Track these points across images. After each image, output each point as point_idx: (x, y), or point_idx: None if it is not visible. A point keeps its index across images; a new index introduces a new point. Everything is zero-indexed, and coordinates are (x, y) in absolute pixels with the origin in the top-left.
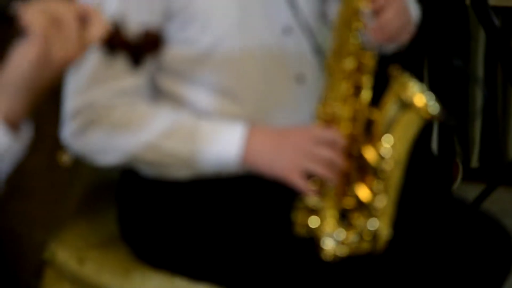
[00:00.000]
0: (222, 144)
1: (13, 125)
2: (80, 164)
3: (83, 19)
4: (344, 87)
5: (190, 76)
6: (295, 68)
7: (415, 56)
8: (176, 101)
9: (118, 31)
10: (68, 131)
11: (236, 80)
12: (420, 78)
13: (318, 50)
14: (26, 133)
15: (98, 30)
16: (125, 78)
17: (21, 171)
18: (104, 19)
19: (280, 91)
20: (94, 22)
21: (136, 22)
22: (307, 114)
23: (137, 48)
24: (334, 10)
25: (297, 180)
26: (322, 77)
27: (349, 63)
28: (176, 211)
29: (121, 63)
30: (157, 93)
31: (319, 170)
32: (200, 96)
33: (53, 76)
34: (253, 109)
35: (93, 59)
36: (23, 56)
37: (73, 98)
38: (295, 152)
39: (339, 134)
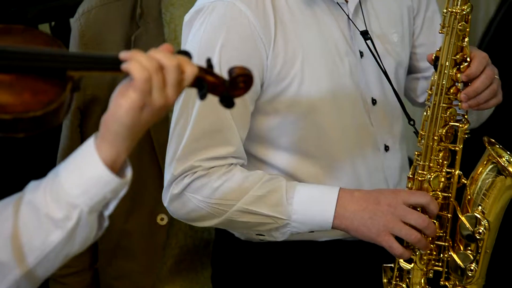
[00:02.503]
0: (317, 206)
1: (116, 168)
2: (177, 225)
3: (181, 67)
4: (437, 155)
5: (277, 142)
6: (382, 137)
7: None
8: (265, 164)
9: (210, 73)
10: (168, 195)
11: (323, 148)
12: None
13: (404, 120)
14: (129, 174)
15: (192, 72)
16: (219, 147)
17: (122, 231)
18: (197, 64)
19: (367, 159)
20: (188, 67)
21: None
22: (391, 180)
23: (228, 89)
24: (423, 84)
25: (389, 244)
26: (404, 144)
27: (442, 132)
28: (270, 272)
29: (216, 134)
30: (247, 156)
31: (412, 234)
32: (286, 160)
33: (152, 121)
34: (340, 175)
35: (191, 130)
36: (123, 102)
37: (173, 164)
38: (388, 215)
39: (431, 199)
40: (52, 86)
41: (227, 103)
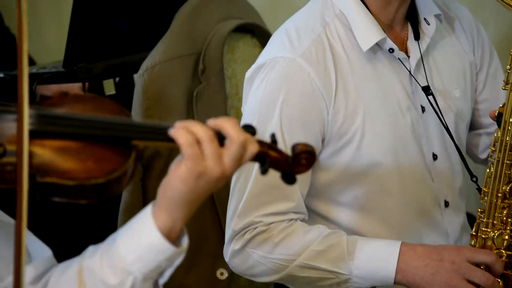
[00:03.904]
0: (379, 261)
1: (172, 237)
2: (237, 280)
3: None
4: (501, 212)
5: (337, 197)
6: (442, 193)
7: None
8: (325, 219)
9: (273, 149)
10: (230, 251)
11: (383, 203)
12: None
13: (464, 176)
14: (185, 243)
15: (253, 152)
16: (280, 203)
17: (182, 286)
18: (261, 139)
19: (427, 214)
20: (251, 146)
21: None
22: (452, 236)
23: (290, 166)
24: (485, 140)
25: None
26: (464, 200)
27: (506, 189)
28: None
29: (277, 189)
30: (307, 211)
31: None
32: (346, 215)
33: (210, 190)
34: (400, 230)
35: (252, 186)
36: (178, 171)
37: (234, 220)
38: (451, 273)
39: (497, 258)
40: (117, 154)
41: (289, 179)
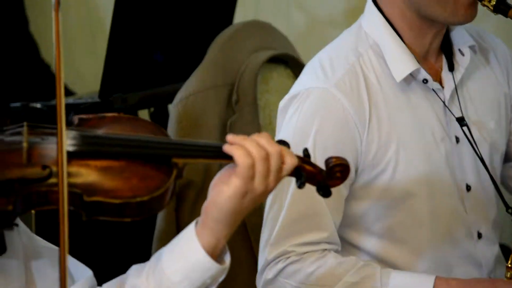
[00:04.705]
0: None
1: (215, 254)
2: None
3: (282, 157)
4: None
5: (370, 227)
6: (476, 224)
7: None
8: (357, 249)
9: (308, 163)
10: (262, 280)
11: (416, 233)
12: None
13: (499, 207)
14: (228, 260)
15: (292, 162)
16: (313, 232)
17: None
18: (296, 154)
19: (460, 245)
20: (289, 157)
21: None
22: (485, 269)
23: (325, 179)
24: None
25: None
26: (498, 232)
27: None
28: None
29: (310, 219)
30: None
31: None
32: (378, 246)
33: (251, 207)
34: (432, 261)
35: (285, 215)
36: (226, 189)
37: (267, 249)
38: None
39: None
40: (159, 172)
41: (324, 192)
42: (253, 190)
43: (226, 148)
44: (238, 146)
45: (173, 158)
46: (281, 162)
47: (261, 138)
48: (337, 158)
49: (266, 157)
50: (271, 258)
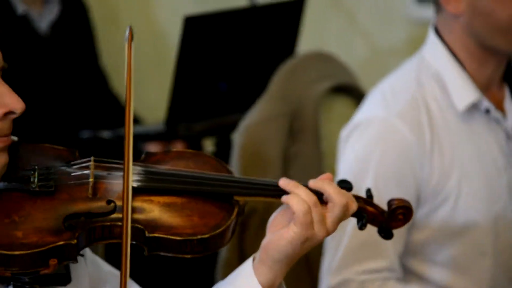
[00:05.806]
0: None
1: None
2: None
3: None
4: None
5: (433, 257)
6: None
7: None
8: (420, 278)
9: (370, 204)
10: None
11: (480, 264)
12: None
13: None
14: None
15: (354, 210)
16: (374, 260)
17: None
18: (358, 195)
19: None
20: (352, 205)
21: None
22: None
23: (386, 220)
24: None
25: None
26: None
27: None
28: None
29: (371, 247)
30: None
31: None
32: (442, 275)
33: (311, 248)
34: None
35: (346, 243)
36: (286, 235)
37: (328, 276)
38: None
39: None
40: (220, 210)
41: (386, 234)
42: (314, 235)
43: (283, 199)
44: (293, 193)
45: (235, 196)
46: (346, 210)
47: (329, 185)
48: (400, 200)
49: (318, 203)
50: (332, 285)
